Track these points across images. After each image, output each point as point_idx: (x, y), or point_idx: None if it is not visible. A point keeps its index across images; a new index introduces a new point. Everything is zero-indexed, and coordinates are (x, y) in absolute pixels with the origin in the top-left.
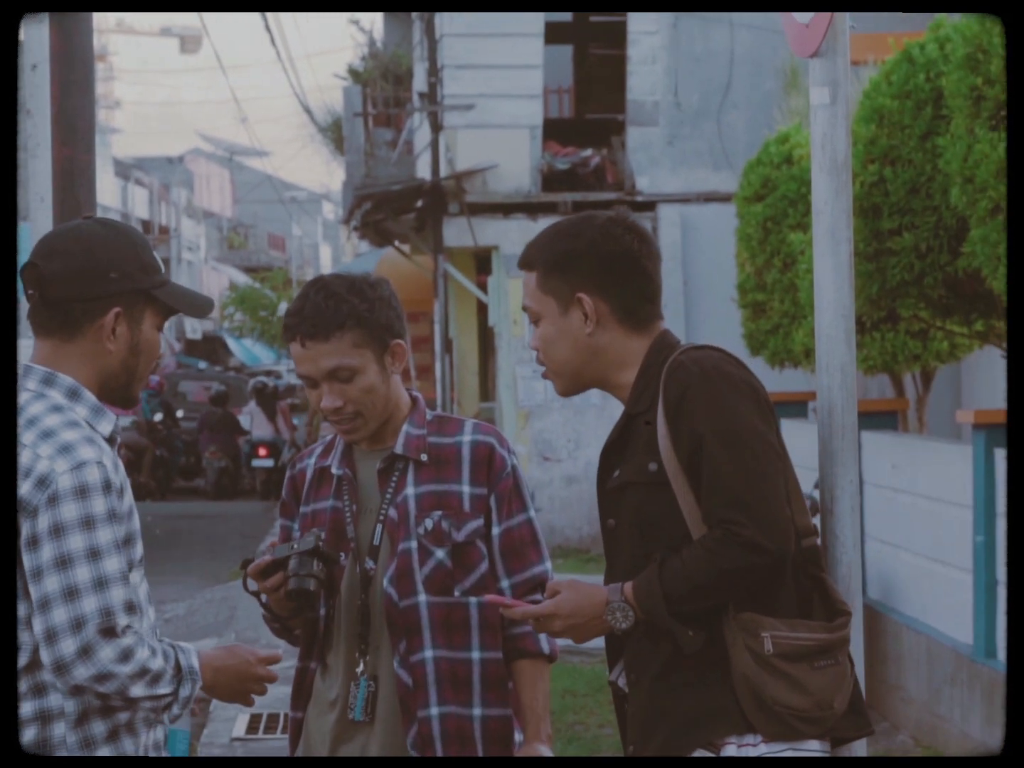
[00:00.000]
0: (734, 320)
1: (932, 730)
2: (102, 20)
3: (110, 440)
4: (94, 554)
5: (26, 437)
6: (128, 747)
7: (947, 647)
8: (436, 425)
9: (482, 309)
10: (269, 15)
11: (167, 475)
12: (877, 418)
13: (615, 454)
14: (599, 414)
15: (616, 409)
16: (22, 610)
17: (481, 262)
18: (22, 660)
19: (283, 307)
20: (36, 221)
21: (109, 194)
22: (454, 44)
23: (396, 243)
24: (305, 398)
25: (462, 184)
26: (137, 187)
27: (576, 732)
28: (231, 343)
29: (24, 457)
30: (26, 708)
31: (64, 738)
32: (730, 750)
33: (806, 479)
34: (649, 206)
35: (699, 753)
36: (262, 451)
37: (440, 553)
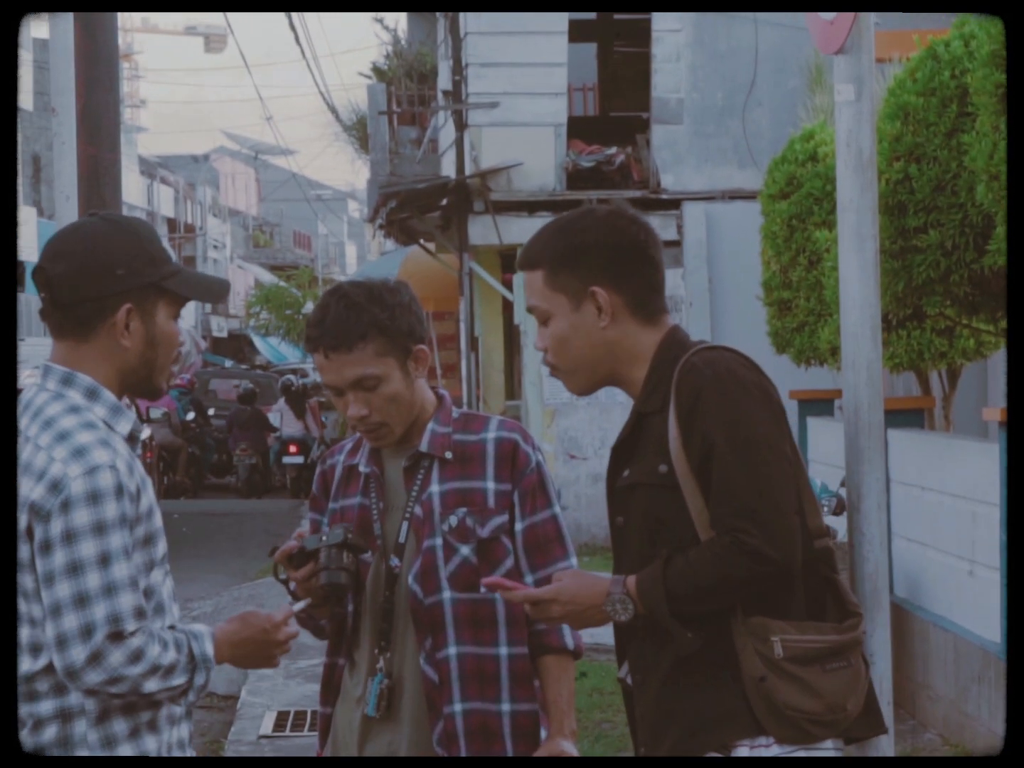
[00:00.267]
0: (759, 318)
1: (959, 728)
2: (127, 18)
3: (131, 438)
4: (104, 560)
5: (42, 439)
6: (150, 745)
7: (974, 645)
8: (462, 423)
9: (507, 307)
10: (293, 13)
11: (199, 472)
12: (903, 416)
13: (625, 453)
14: (625, 412)
15: None
16: (38, 611)
17: (506, 260)
18: (42, 660)
19: (309, 306)
20: (62, 219)
21: (135, 192)
22: (478, 42)
23: (421, 241)
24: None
25: (487, 182)
26: (163, 185)
27: (603, 730)
28: (257, 341)
29: (39, 459)
30: (46, 706)
31: (85, 736)
32: (742, 751)
33: (832, 477)
34: (674, 204)
35: (711, 755)
36: (292, 448)
37: (465, 550)
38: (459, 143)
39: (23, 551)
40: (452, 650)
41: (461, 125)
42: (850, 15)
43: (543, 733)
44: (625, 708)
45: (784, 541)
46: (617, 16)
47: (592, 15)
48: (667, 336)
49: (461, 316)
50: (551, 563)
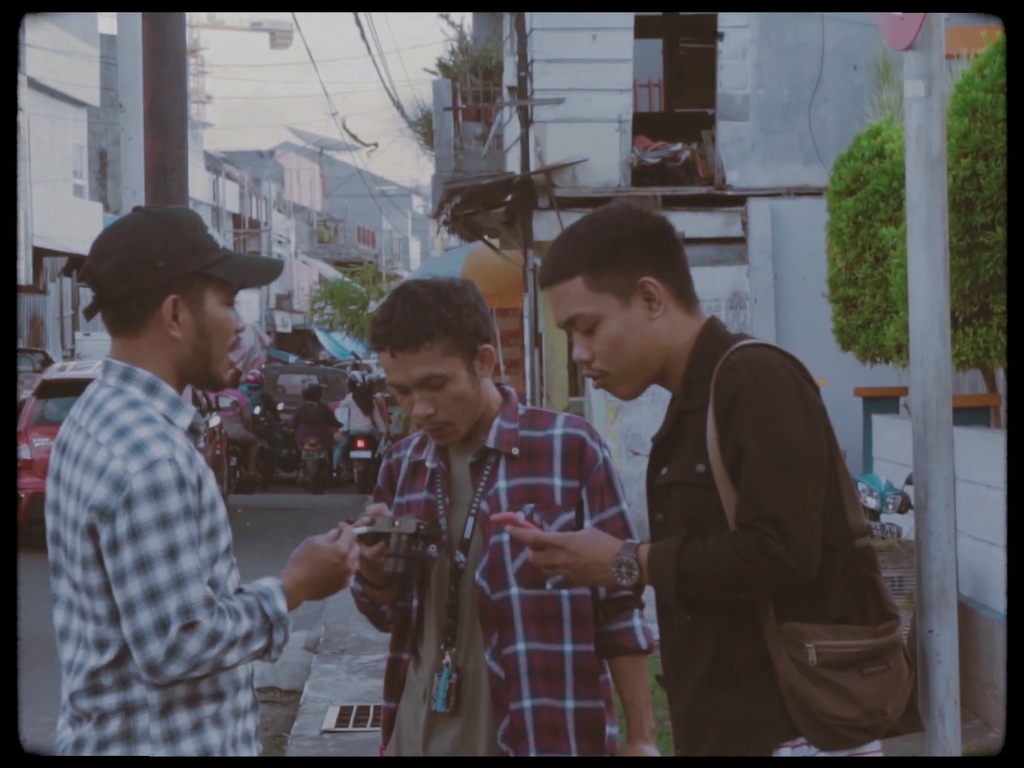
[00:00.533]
0: (824, 315)
1: None
2: (193, 15)
3: (192, 431)
4: (171, 553)
5: (102, 435)
6: (214, 740)
7: None
8: (528, 419)
9: None
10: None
11: (268, 467)
12: (969, 414)
13: (664, 451)
14: None
15: None
16: (101, 608)
17: None
18: (108, 655)
19: (373, 305)
20: None
21: (200, 188)
22: (544, 38)
23: (485, 237)
24: None
25: (551, 178)
26: (228, 181)
27: (665, 728)
28: (321, 336)
29: (99, 456)
30: (110, 700)
31: (148, 730)
32: (784, 752)
33: (897, 474)
34: (739, 200)
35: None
36: (360, 443)
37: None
38: (524, 139)
39: (85, 549)
40: (520, 646)
41: (526, 121)
42: (921, 11)
43: (610, 730)
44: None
45: (804, 552)
46: (683, 12)
47: (658, 10)
48: (705, 328)
49: (525, 312)
50: None
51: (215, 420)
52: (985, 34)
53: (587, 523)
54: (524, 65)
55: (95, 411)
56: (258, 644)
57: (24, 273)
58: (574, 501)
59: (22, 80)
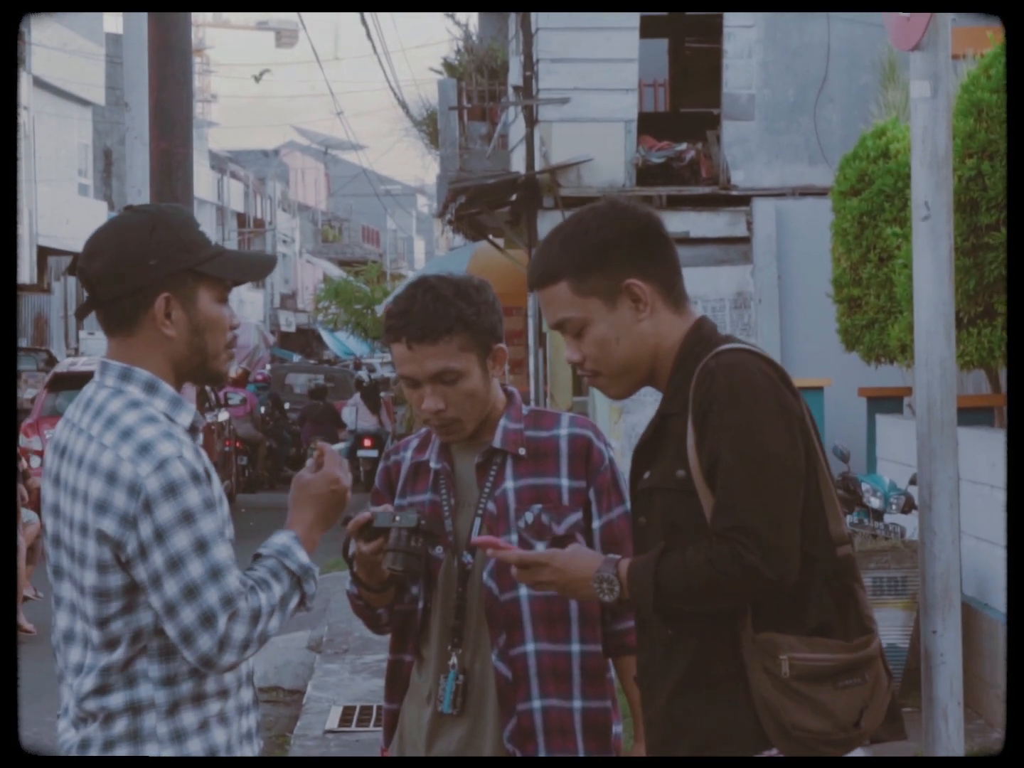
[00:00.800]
0: (829, 315)
1: None
2: (198, 14)
3: (192, 429)
4: (201, 547)
5: (106, 437)
6: (220, 738)
7: None
8: (532, 419)
9: None
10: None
11: (275, 465)
12: (973, 414)
13: (647, 454)
14: None
15: None
16: (115, 607)
17: None
18: (118, 654)
19: (380, 308)
20: None
21: (205, 187)
22: (549, 38)
23: (490, 237)
24: (400, 390)
25: (556, 178)
26: (233, 180)
27: None
28: (325, 336)
29: (105, 458)
30: (116, 699)
31: (155, 729)
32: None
33: (901, 474)
34: (744, 200)
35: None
36: (367, 442)
37: (540, 547)
38: (529, 139)
39: (102, 553)
40: (530, 647)
41: (531, 121)
42: (927, 12)
43: (616, 728)
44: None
45: (781, 560)
46: (688, 12)
47: (663, 10)
48: (692, 330)
49: (529, 312)
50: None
51: (224, 415)
52: (991, 35)
53: (594, 523)
54: (529, 65)
55: (96, 413)
56: (293, 602)
57: (28, 272)
58: (581, 501)
59: (27, 79)
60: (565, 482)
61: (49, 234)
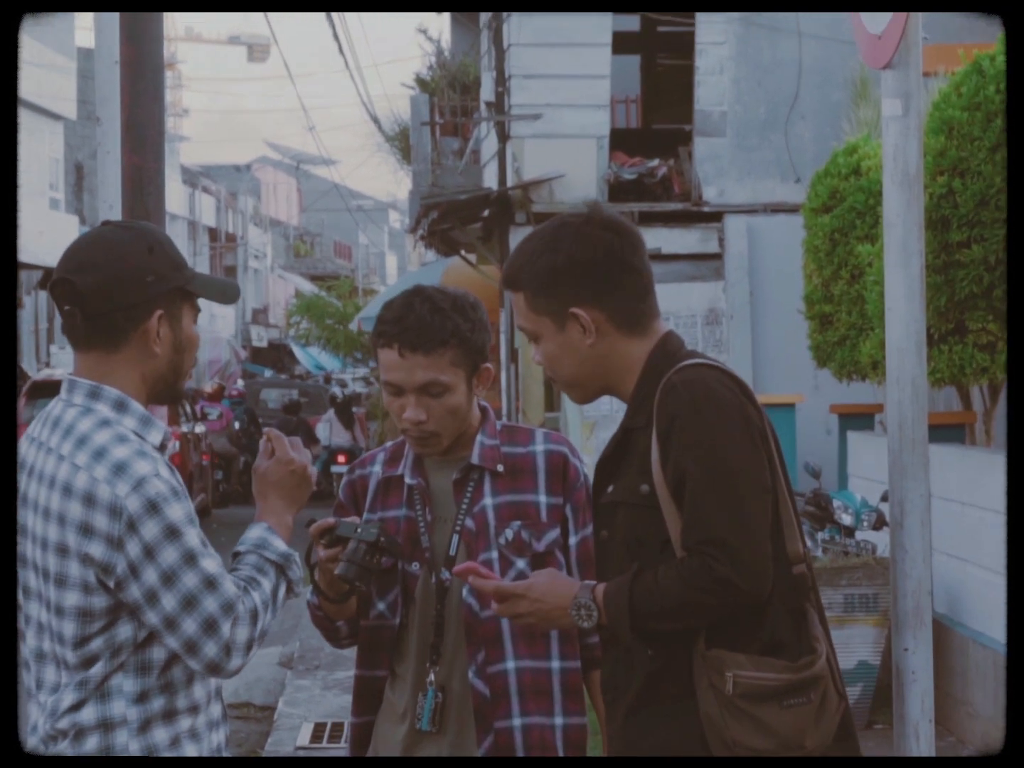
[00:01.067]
0: (800, 332)
1: (999, 745)
2: (170, 28)
3: (161, 448)
4: (191, 559)
5: (79, 458)
6: (191, 753)
7: None
8: (507, 435)
9: None
10: (337, 23)
11: (250, 480)
12: (944, 431)
13: (610, 467)
14: None
15: None
16: (97, 626)
17: None
18: (95, 669)
19: (353, 324)
20: None
21: (177, 202)
22: (522, 54)
23: (462, 252)
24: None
25: (529, 194)
26: (204, 195)
27: None
28: (297, 351)
29: (79, 480)
30: (88, 714)
31: (127, 746)
32: None
33: (872, 491)
34: (716, 217)
35: None
36: (340, 458)
37: (521, 563)
38: (501, 154)
39: (87, 575)
40: (510, 664)
41: (503, 136)
42: (899, 28)
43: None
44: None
45: (753, 572)
46: (660, 28)
47: (635, 27)
48: (657, 346)
49: (501, 328)
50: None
51: (201, 428)
52: (962, 52)
53: (571, 539)
54: (502, 80)
55: (66, 432)
56: (281, 592)
57: None
58: (559, 518)
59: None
60: (543, 499)
61: (20, 248)
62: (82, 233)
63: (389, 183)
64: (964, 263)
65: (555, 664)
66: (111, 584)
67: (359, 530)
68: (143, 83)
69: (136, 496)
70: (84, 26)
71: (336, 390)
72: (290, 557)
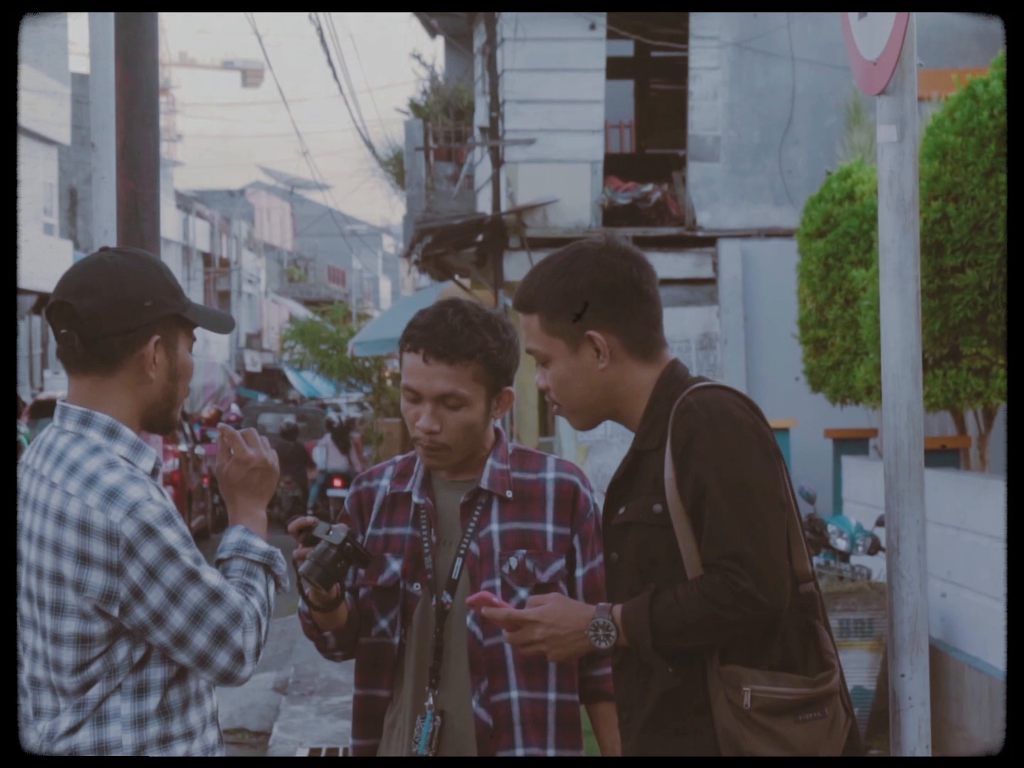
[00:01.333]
0: (795, 356)
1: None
2: (164, 53)
3: (153, 474)
4: (193, 576)
5: (70, 485)
6: None
7: None
8: (518, 460)
9: None
10: (331, 49)
11: None
12: (939, 456)
13: (621, 489)
14: None
15: None
16: (96, 651)
17: None
18: (93, 691)
19: (349, 349)
20: None
21: (170, 227)
22: (516, 79)
23: (456, 277)
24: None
25: (523, 219)
26: (198, 220)
27: None
28: (291, 375)
29: (72, 507)
30: (85, 738)
31: None
32: None
33: (867, 516)
34: (710, 241)
35: None
36: (337, 482)
37: (523, 593)
38: (495, 179)
39: (83, 604)
40: (513, 693)
41: (497, 161)
42: (894, 54)
43: None
44: None
45: (774, 587)
46: (654, 53)
47: (629, 52)
48: (665, 372)
49: None
50: None
51: (201, 451)
52: (955, 77)
53: (578, 571)
54: (496, 105)
55: (57, 460)
56: (272, 590)
57: None
58: (565, 548)
59: None
60: (550, 528)
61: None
62: (78, 259)
63: (383, 208)
64: (958, 288)
65: (551, 696)
66: (114, 611)
67: (329, 532)
68: (138, 108)
69: (131, 521)
70: (78, 51)
71: (331, 415)
72: (273, 555)
